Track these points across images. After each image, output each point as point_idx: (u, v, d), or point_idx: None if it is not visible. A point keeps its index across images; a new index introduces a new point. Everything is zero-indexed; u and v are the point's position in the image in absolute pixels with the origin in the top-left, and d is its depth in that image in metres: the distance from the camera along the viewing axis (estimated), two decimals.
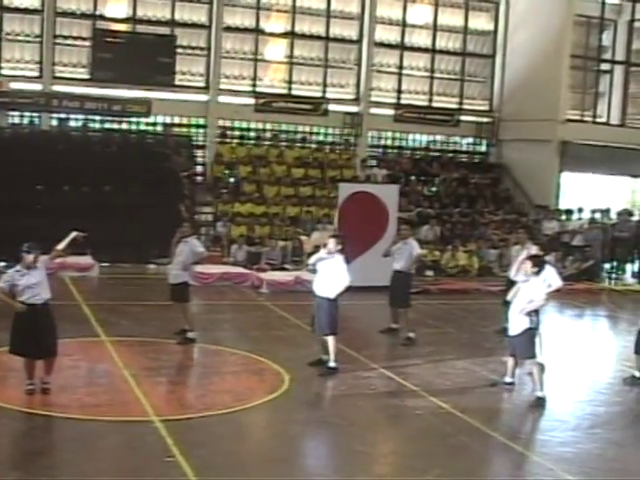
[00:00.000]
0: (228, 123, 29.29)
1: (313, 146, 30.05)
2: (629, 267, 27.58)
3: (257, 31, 29.50)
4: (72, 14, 27.49)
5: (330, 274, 13.18)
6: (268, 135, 29.91)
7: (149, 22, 28.17)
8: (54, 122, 27.21)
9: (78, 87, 27.06)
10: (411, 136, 32.00)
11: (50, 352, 11.38)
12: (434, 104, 31.97)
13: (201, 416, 10.87)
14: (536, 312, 12.41)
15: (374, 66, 30.79)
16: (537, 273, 12.42)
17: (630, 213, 28.10)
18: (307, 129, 30.27)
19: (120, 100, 26.91)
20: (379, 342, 16.34)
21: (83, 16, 27.58)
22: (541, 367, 12.40)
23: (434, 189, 30.30)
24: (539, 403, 12.19)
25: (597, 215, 27.68)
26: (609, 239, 27.06)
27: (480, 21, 32.44)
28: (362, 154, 30.21)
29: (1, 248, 19.37)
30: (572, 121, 30.36)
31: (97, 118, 27.43)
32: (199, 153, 28.88)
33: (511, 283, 13.63)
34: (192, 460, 9.20)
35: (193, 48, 28.86)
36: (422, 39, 31.67)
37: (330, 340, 13.30)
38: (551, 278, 13.79)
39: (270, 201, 27.04)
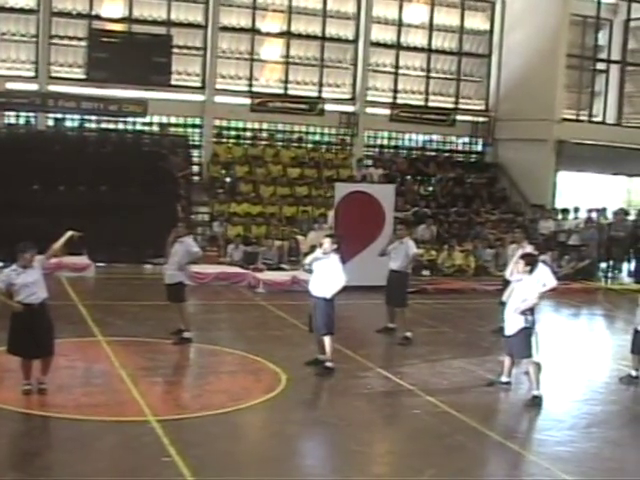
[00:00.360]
0: (224, 123, 29.28)
1: (309, 146, 30.10)
2: (625, 266, 27.64)
3: (253, 31, 29.49)
4: (68, 14, 27.47)
5: (326, 274, 13.17)
6: (264, 135, 29.94)
7: (145, 22, 28.15)
8: (50, 122, 27.19)
9: (74, 87, 27.02)
10: (407, 136, 32.03)
11: (47, 352, 11.38)
12: (430, 104, 32.00)
13: (198, 416, 10.87)
14: (531, 311, 12.42)
15: (370, 66, 30.80)
16: (530, 272, 12.43)
17: (626, 212, 28.13)
18: (303, 129, 30.29)
19: (116, 100, 26.86)
20: (376, 342, 16.33)
21: (79, 16, 27.57)
22: (538, 366, 12.40)
23: (430, 189, 30.33)
24: (535, 402, 12.19)
25: (593, 214, 27.69)
26: (605, 238, 27.08)
27: (476, 21, 32.47)
28: (358, 154, 30.22)
29: None
30: (568, 120, 30.40)
31: (93, 118, 27.40)
32: (195, 153, 28.86)
33: (507, 283, 13.64)
34: (188, 460, 9.19)
35: (189, 48, 28.86)
36: (418, 39, 31.69)
37: (327, 340, 13.30)
38: (546, 278, 13.79)
39: (266, 201, 27.05)
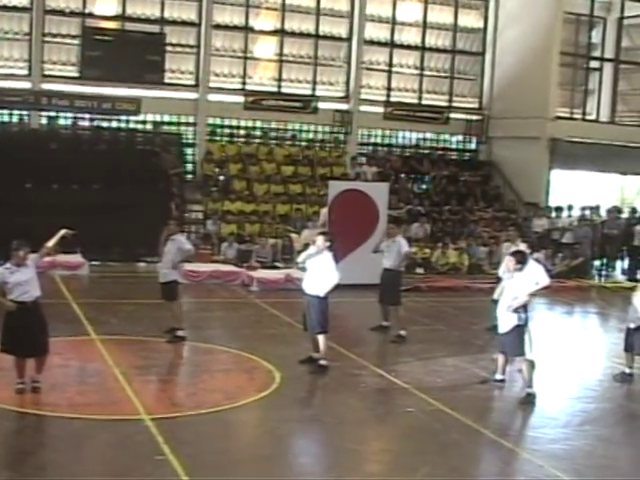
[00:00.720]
0: (218, 121, 29.26)
1: (303, 144, 30.07)
2: (618, 264, 27.68)
3: (247, 29, 29.46)
4: (61, 12, 27.39)
5: (319, 272, 13.18)
6: (258, 133, 29.92)
7: (138, 20, 28.09)
8: (43, 120, 27.11)
9: (67, 85, 27.00)
10: (401, 134, 32.03)
11: (41, 350, 11.36)
12: (424, 102, 32.01)
13: (192, 414, 10.86)
14: (524, 308, 12.43)
15: (364, 64, 30.79)
16: (520, 269, 12.43)
17: (619, 210, 28.17)
18: (297, 127, 30.29)
19: (109, 98, 26.82)
20: (370, 340, 16.34)
21: (72, 14, 27.48)
22: (531, 364, 12.42)
23: (424, 187, 30.38)
24: (529, 400, 12.21)
25: (587, 212, 27.75)
26: (599, 236, 27.14)
27: (470, 18, 32.47)
28: (352, 152, 30.20)
29: None
30: (562, 118, 30.42)
31: (86, 116, 27.34)
32: (189, 151, 28.81)
33: (501, 281, 13.65)
34: (182, 459, 9.18)
35: (182, 46, 28.81)
36: (412, 37, 31.68)
37: (321, 338, 13.30)
38: (538, 276, 13.80)
39: (260, 199, 27.03)
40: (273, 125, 30.04)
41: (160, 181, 24.80)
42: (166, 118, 28.77)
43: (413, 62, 31.83)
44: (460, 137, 32.89)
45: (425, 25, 31.67)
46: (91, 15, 27.78)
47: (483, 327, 16.68)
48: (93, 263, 22.26)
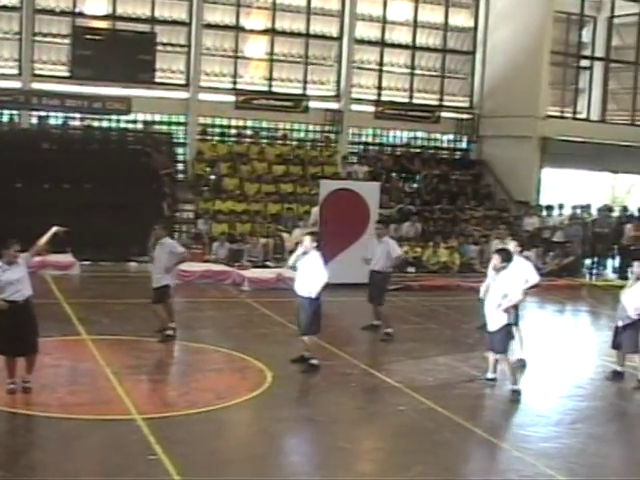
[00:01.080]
0: (209, 120, 29.23)
1: (294, 143, 30.05)
2: (609, 263, 27.72)
3: (237, 28, 29.42)
4: (51, 11, 27.32)
5: (309, 272, 13.17)
6: (249, 132, 29.89)
7: (129, 19, 28.03)
8: (34, 120, 27.03)
9: (58, 85, 26.95)
10: (392, 133, 32.03)
11: (31, 349, 11.33)
12: (414, 101, 32.00)
13: (184, 414, 10.86)
14: (515, 307, 12.43)
15: (354, 63, 30.77)
16: (505, 267, 12.41)
17: (610, 209, 28.23)
18: (288, 126, 30.25)
19: (100, 98, 26.79)
20: (361, 339, 16.35)
21: (62, 13, 27.42)
22: (522, 363, 12.43)
23: (415, 186, 30.36)
24: (514, 397, 12.24)
25: (577, 211, 27.79)
26: (589, 235, 27.19)
27: (460, 18, 32.48)
28: (343, 151, 30.19)
29: None
30: (552, 117, 30.47)
31: (77, 116, 27.32)
32: (180, 150, 28.78)
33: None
34: (175, 458, 9.17)
35: (173, 45, 28.77)
36: (402, 36, 31.68)
37: (306, 339, 13.31)
38: (528, 274, 13.83)
39: (251, 198, 26.99)
40: (264, 124, 30.03)
41: (151, 181, 24.78)
42: (157, 117, 28.72)
43: (404, 61, 31.84)
44: (451, 136, 32.89)
45: (416, 24, 31.66)
46: (81, 14, 27.71)
47: (474, 326, 16.64)
48: (84, 263, 22.21)
